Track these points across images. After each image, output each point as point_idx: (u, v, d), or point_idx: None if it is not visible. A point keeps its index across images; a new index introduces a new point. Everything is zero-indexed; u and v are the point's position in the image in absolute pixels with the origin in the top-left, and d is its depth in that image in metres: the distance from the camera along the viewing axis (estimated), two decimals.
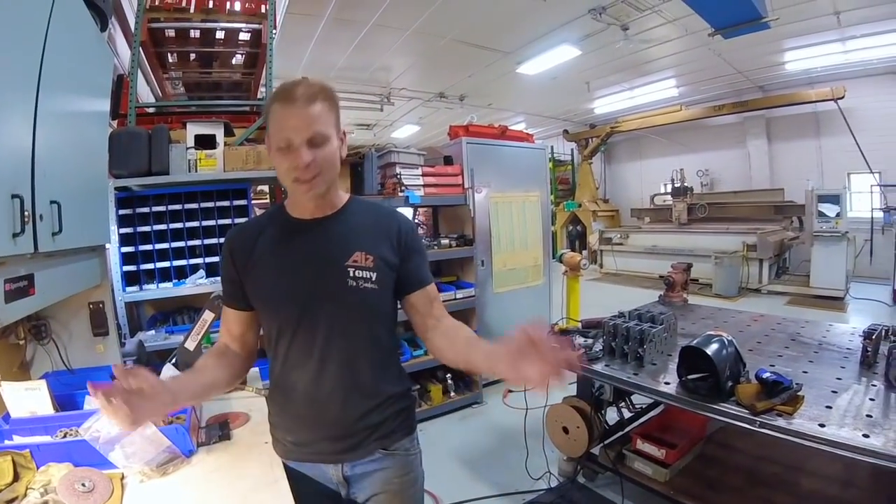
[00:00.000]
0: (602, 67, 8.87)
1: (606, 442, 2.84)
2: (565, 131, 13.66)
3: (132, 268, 3.13)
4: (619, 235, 11.50)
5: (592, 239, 12.08)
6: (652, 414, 3.16)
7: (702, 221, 10.58)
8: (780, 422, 1.71)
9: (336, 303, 1.23)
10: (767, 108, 9.98)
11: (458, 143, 4.54)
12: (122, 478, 1.33)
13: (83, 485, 1.20)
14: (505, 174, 4.82)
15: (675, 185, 11.30)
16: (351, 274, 1.22)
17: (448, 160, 4.54)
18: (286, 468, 1.36)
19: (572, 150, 14.48)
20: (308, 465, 1.34)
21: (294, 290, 1.24)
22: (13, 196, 1.14)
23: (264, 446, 1.51)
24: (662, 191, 12.48)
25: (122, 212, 3.08)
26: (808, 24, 7.04)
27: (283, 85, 1.16)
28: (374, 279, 1.23)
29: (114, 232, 2.98)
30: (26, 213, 1.19)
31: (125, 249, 3.09)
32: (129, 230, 3.11)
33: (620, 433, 2.95)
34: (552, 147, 14.09)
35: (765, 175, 10.95)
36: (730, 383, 1.90)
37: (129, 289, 3.10)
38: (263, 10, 3.59)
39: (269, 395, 1.39)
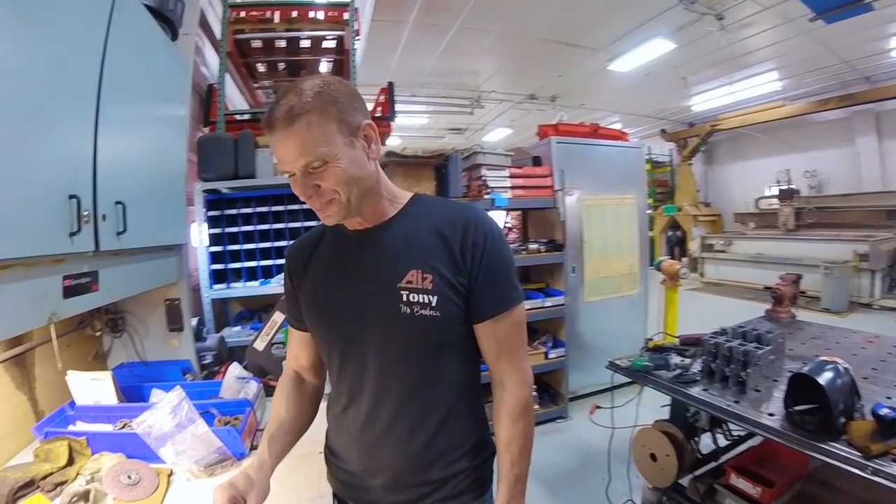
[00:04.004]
0: (698, 61, 8.29)
1: (697, 473, 2.57)
2: (663, 131, 12.96)
3: (220, 266, 3.30)
4: (721, 242, 10.68)
5: (693, 245, 11.33)
6: (751, 443, 2.84)
7: (809, 228, 9.63)
8: None
9: (386, 333, 1.05)
10: (876, 100, 8.92)
11: (546, 143, 4.36)
12: (170, 474, 1.35)
13: (129, 477, 1.24)
14: (598, 175, 4.56)
15: (781, 188, 10.35)
16: (404, 298, 1.02)
17: (537, 161, 4.38)
18: (338, 498, 1.26)
19: (671, 150, 13.70)
20: None
21: (340, 313, 1.09)
22: (70, 196, 1.19)
23: (317, 456, 1.47)
24: (767, 194, 11.48)
25: (210, 213, 3.25)
26: None
27: (272, 103, 0.98)
28: (433, 304, 1.02)
29: (203, 232, 3.16)
30: (85, 213, 1.24)
31: (214, 249, 3.27)
32: (217, 231, 3.29)
33: (714, 464, 2.66)
34: (649, 148, 13.44)
35: (876, 175, 9.77)
36: (842, 419, 1.63)
37: (216, 286, 3.27)
38: (346, 18, 3.67)
39: (328, 415, 1.25)
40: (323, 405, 1.30)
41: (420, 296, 1.02)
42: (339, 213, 1.00)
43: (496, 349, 1.09)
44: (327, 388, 1.28)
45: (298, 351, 1.25)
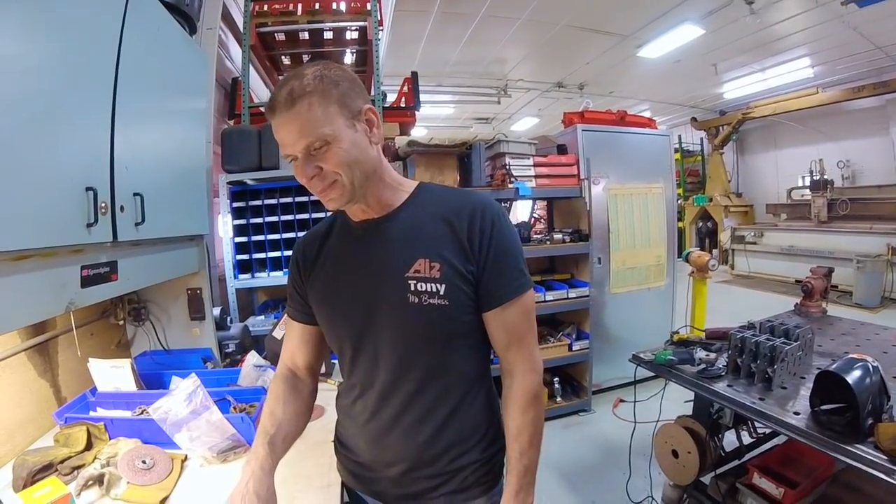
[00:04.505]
0: (729, 47, 8.05)
1: (719, 471, 2.51)
2: (693, 119, 12.63)
3: (245, 257, 3.35)
4: (752, 234, 10.39)
5: (723, 237, 11.07)
6: (776, 441, 2.76)
7: (842, 220, 9.27)
8: None
9: (396, 324, 1.04)
10: None
11: (572, 130, 4.29)
12: (184, 459, 1.38)
13: (143, 462, 1.27)
14: (625, 164, 4.48)
15: (814, 178, 9.97)
16: (412, 287, 1.01)
17: (562, 149, 4.32)
18: (347, 488, 1.28)
19: (701, 139, 13.36)
20: (368, 497, 1.22)
21: (350, 306, 1.08)
22: (87, 188, 1.22)
23: (327, 446, 1.48)
24: (800, 184, 11.09)
25: (235, 204, 3.30)
26: None
27: (273, 92, 0.99)
28: (441, 292, 1.01)
29: (228, 223, 3.22)
30: (102, 205, 1.27)
31: (238, 240, 3.32)
32: (242, 222, 3.33)
33: (737, 462, 2.60)
34: (680, 136, 13.15)
35: None
36: (869, 420, 1.56)
37: (241, 276, 3.33)
38: (368, 8, 3.66)
39: (337, 405, 1.26)
40: (332, 395, 1.31)
41: (428, 285, 1.01)
42: (343, 197, 0.99)
43: (505, 337, 1.08)
44: (339, 378, 1.28)
45: (296, 347, 1.24)
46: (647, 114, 11.07)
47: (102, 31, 1.32)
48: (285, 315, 2.19)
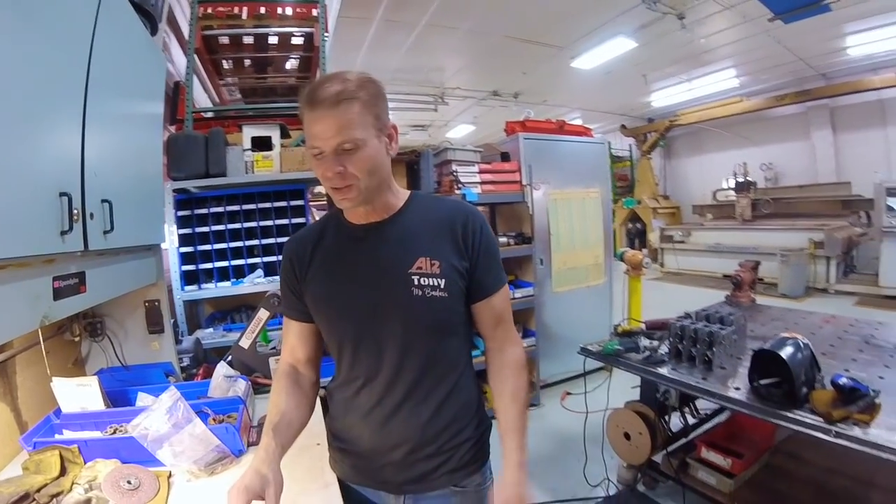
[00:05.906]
0: (659, 59, 8.56)
1: (669, 449, 2.68)
2: (623, 126, 13.28)
3: (191, 267, 3.21)
4: (680, 233, 11.04)
5: (653, 237, 11.67)
6: (718, 420, 2.98)
7: (766, 218, 10.04)
8: (856, 431, 1.57)
9: (401, 316, 1.12)
10: (831, 96, 9.42)
11: (514, 139, 4.44)
12: (170, 476, 1.33)
13: (129, 482, 1.21)
14: (564, 170, 4.69)
15: (738, 180, 10.76)
16: (416, 282, 1.11)
17: (505, 157, 4.46)
18: (343, 485, 1.29)
19: (630, 145, 14.04)
20: (368, 490, 1.25)
21: (353, 302, 1.15)
22: (61, 194, 1.16)
23: (315, 449, 1.47)
24: (725, 186, 11.92)
25: (180, 213, 3.16)
26: (870, 5, 6.53)
27: (312, 84, 1.04)
28: (442, 286, 1.12)
29: (173, 233, 3.08)
30: (75, 211, 1.20)
31: (184, 250, 3.18)
32: (187, 231, 3.19)
33: (685, 440, 2.79)
34: (609, 143, 13.62)
35: (830, 168, 10.33)
36: (804, 390, 1.76)
37: (187, 288, 3.18)
38: (314, 14, 3.62)
39: (330, 405, 1.29)
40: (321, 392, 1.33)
41: (430, 279, 1.12)
42: (357, 199, 1.07)
43: (494, 319, 1.23)
44: (323, 381, 1.31)
45: (295, 343, 1.28)
46: (578, 121, 11.47)
47: (76, 31, 1.27)
48: (252, 324, 2.16)
